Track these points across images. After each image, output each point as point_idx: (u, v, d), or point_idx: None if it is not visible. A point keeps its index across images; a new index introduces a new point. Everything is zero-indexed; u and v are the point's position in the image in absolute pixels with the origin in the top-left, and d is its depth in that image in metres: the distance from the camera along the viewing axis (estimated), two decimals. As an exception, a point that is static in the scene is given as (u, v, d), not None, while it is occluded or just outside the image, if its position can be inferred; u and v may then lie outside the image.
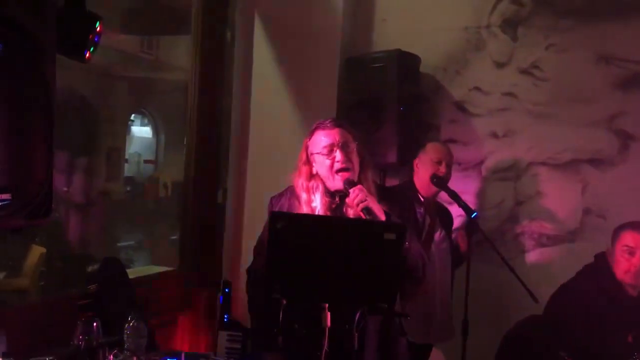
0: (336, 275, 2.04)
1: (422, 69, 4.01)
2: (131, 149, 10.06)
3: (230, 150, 4.14)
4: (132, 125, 10.35)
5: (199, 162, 3.93)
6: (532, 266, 3.79)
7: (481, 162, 4.00)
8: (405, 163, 3.67)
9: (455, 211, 3.53)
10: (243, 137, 4.16)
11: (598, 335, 2.96)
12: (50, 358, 2.52)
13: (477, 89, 4.01)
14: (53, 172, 1.89)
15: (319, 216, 2.34)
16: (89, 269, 3.27)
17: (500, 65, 3.96)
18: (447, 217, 3.55)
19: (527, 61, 3.89)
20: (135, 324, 2.71)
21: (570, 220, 3.78)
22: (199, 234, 3.95)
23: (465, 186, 3.89)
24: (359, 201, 2.29)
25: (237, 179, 4.17)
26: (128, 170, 9.48)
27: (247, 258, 2.98)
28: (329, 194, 2.43)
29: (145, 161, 10.54)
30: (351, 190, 2.33)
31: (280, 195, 2.54)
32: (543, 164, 3.85)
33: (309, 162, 2.45)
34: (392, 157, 3.74)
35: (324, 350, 2.07)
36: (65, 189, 4.65)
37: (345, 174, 2.36)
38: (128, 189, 8.72)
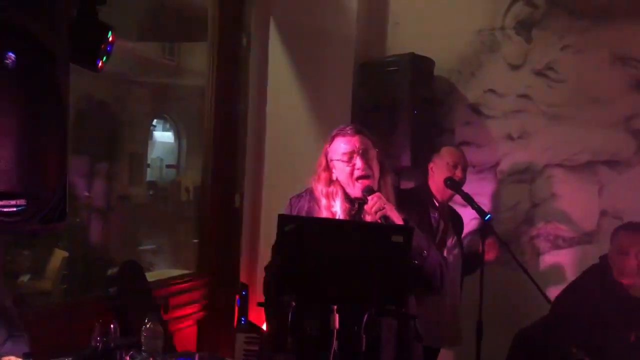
0: (344, 278, 2.07)
1: (436, 72, 4.02)
2: (153, 153, 10.20)
3: (247, 155, 4.19)
4: (154, 131, 10.50)
5: (216, 167, 3.98)
6: (547, 268, 3.78)
7: (496, 164, 3.99)
8: (419, 166, 3.68)
9: (469, 214, 3.52)
10: (259, 141, 4.22)
11: (600, 334, 2.96)
12: (68, 359, 2.59)
13: (492, 91, 4.01)
14: (73, 177, 1.95)
15: (326, 219, 2.37)
16: (109, 272, 3.34)
17: (514, 67, 3.96)
18: (459, 222, 3.55)
19: (541, 63, 3.88)
20: (152, 325, 2.77)
21: (587, 222, 3.76)
22: (217, 238, 4.01)
23: (480, 189, 3.89)
24: (377, 209, 2.30)
25: (253, 182, 4.22)
26: (150, 174, 9.62)
27: (263, 261, 3.03)
28: (349, 200, 2.43)
29: (168, 166, 10.68)
30: (369, 198, 2.34)
31: (300, 196, 2.55)
32: (559, 165, 3.84)
33: (328, 169, 2.46)
34: (406, 160, 3.75)
35: (332, 352, 2.11)
36: (86, 193, 4.75)
37: (365, 182, 2.37)
38: (150, 193, 8.83)
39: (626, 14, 3.68)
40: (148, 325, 2.74)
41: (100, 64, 2.05)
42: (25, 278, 4.38)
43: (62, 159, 1.86)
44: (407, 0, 4.23)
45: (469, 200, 3.33)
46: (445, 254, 3.32)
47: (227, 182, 4.08)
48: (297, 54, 4.15)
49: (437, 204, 3.40)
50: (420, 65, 3.90)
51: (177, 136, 11.14)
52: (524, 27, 3.92)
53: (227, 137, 4.05)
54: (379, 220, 2.30)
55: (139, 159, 8.50)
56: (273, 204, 3.93)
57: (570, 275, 3.59)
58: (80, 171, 4.74)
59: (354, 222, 2.36)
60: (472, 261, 3.45)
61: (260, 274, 2.74)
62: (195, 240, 4.17)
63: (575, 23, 3.78)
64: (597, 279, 3.16)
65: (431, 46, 3.98)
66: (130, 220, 5.86)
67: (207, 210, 4.02)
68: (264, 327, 3.45)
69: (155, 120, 10.17)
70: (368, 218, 2.39)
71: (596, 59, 3.73)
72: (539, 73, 3.89)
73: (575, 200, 3.81)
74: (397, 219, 2.32)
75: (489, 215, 3.30)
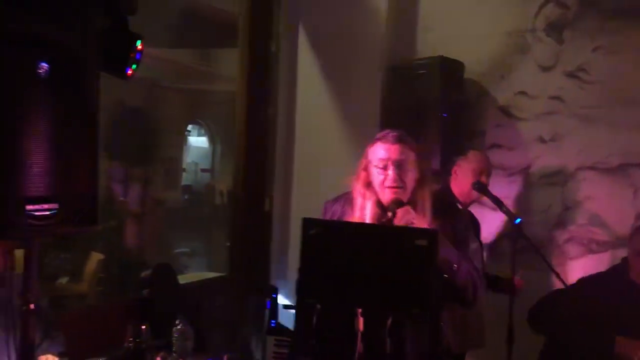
0: (369, 281, 2.07)
1: (466, 75, 4.00)
2: (188, 158, 10.38)
3: (277, 159, 4.24)
4: (189, 136, 10.68)
5: (247, 171, 4.04)
6: (580, 272, 3.72)
7: (527, 167, 3.95)
8: (448, 170, 3.66)
9: (499, 217, 3.50)
10: (289, 145, 4.26)
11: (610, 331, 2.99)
12: (102, 359, 2.67)
13: (523, 93, 3.97)
14: (109, 182, 2.01)
15: (351, 223, 2.37)
16: (142, 274, 3.42)
17: (545, 68, 3.91)
18: (477, 227, 3.52)
19: (573, 64, 3.82)
20: (182, 327, 2.84)
21: (621, 226, 3.67)
22: (248, 241, 4.06)
23: (510, 191, 3.86)
24: (405, 223, 2.28)
25: (283, 186, 4.26)
26: (185, 179, 9.78)
27: (293, 264, 3.06)
28: (380, 206, 2.43)
29: (202, 170, 10.85)
30: (398, 211, 2.30)
31: (335, 200, 2.55)
32: (591, 168, 3.78)
33: (366, 170, 2.44)
34: (435, 163, 3.74)
35: (357, 355, 2.12)
36: (122, 198, 4.87)
37: (394, 192, 2.33)
38: (186, 197, 8.97)
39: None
40: (179, 327, 2.81)
41: (129, 72, 2.10)
42: (63, 280, 4.52)
43: (92, 164, 1.92)
44: (437, 3, 4.22)
45: (498, 203, 3.30)
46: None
47: (257, 185, 4.14)
48: (325, 59, 4.18)
49: (460, 207, 3.38)
50: (449, 68, 3.89)
51: (212, 140, 11.30)
52: (555, 29, 3.88)
53: (257, 141, 4.11)
54: None
55: (174, 163, 8.65)
56: (302, 207, 3.95)
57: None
58: (116, 176, 4.87)
59: (377, 226, 2.36)
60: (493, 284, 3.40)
61: (290, 277, 2.77)
62: (228, 244, 4.23)
63: (607, 24, 3.72)
64: (614, 279, 3.16)
65: (461, 49, 3.97)
66: (165, 223, 5.98)
67: (238, 213, 4.08)
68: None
69: (190, 126, 10.35)
70: None
71: (628, 59, 3.66)
72: (571, 75, 3.84)
73: (609, 203, 3.74)
74: None
75: (519, 219, 3.28)
